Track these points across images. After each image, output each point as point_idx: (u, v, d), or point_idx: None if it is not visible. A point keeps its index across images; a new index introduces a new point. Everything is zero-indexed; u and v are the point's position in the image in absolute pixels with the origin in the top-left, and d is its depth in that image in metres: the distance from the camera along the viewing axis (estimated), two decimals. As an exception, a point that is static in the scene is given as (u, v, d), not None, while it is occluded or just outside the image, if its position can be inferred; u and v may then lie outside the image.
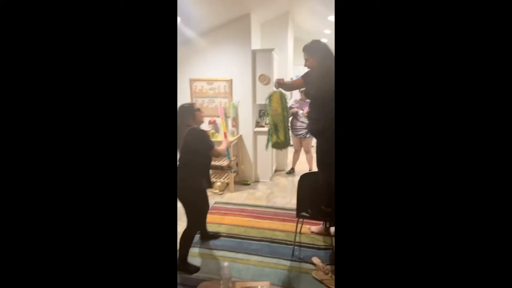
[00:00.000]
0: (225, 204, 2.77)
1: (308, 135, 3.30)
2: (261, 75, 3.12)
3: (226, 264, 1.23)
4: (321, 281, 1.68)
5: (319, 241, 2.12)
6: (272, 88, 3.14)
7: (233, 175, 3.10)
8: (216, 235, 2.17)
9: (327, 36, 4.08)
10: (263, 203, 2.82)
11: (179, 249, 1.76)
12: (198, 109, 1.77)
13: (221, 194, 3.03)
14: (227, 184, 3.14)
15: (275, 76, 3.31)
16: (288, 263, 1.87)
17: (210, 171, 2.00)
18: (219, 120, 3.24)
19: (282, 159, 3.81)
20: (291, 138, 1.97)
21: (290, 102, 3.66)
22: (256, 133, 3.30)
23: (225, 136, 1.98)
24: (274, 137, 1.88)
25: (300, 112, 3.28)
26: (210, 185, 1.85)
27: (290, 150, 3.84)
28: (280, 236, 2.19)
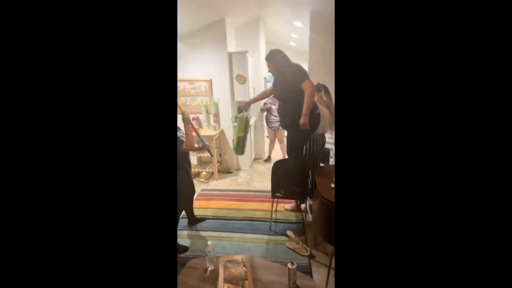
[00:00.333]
0: (210, 191, 2.76)
1: (280, 128, 3.35)
2: (237, 75, 3.08)
3: (209, 242, 1.24)
4: (293, 250, 1.75)
5: (292, 216, 2.20)
6: (245, 89, 3.12)
7: (216, 165, 3.08)
8: (202, 219, 2.17)
9: (294, 39, 4.09)
10: (244, 187, 2.85)
11: (187, 208, 1.86)
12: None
13: (206, 182, 3.00)
14: (212, 173, 3.12)
15: (250, 75, 3.28)
16: (266, 237, 1.93)
17: (193, 162, 1.94)
18: (201, 117, 3.18)
19: (260, 148, 3.84)
20: (245, 147, 2.38)
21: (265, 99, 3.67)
22: (235, 127, 3.28)
23: (193, 129, 1.80)
24: (235, 149, 2.36)
25: (273, 107, 3.32)
26: (190, 175, 1.83)
27: (267, 141, 3.88)
28: (259, 214, 2.24)
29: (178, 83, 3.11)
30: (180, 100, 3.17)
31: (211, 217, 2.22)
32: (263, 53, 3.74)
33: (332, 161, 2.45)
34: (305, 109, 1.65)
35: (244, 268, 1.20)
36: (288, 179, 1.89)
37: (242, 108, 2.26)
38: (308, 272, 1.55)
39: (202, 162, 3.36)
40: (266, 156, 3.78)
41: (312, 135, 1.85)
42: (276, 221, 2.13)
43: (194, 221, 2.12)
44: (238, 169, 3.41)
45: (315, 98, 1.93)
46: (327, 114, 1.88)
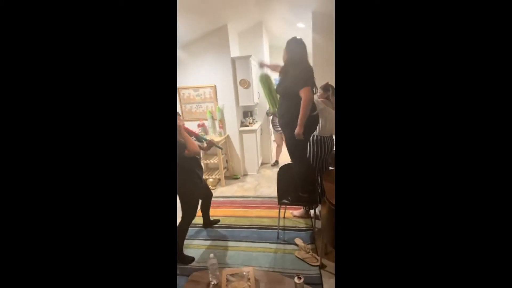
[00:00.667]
0: (217, 198, 2.70)
1: (287, 130, 3.26)
2: (241, 80, 3.05)
3: (212, 255, 1.18)
4: (303, 259, 1.65)
5: (301, 223, 2.09)
6: (250, 93, 3.07)
7: (223, 171, 3.03)
8: (216, 221, 2.17)
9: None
10: (251, 193, 2.77)
11: (204, 213, 1.85)
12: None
13: (213, 189, 2.95)
14: (219, 179, 3.07)
15: (255, 79, 3.24)
16: (274, 246, 1.83)
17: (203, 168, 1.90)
18: (207, 123, 3.15)
19: (267, 153, 3.77)
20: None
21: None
22: (241, 132, 3.23)
23: (189, 132, 1.74)
24: (272, 108, 2.36)
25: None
26: (201, 180, 1.78)
27: (274, 145, 3.79)
28: (267, 222, 2.15)
29: (183, 91, 3.12)
30: (186, 107, 3.17)
31: (217, 225, 2.16)
32: (266, 56, 3.70)
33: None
34: (300, 120, 1.55)
35: (249, 283, 1.12)
36: (294, 185, 1.79)
37: (259, 67, 2.24)
38: (318, 283, 1.45)
39: (208, 169, 3.32)
40: (273, 161, 3.69)
41: (316, 138, 1.75)
42: (285, 228, 2.03)
43: (208, 224, 2.11)
44: (245, 174, 3.34)
45: (320, 99, 1.84)
46: (333, 116, 1.78)
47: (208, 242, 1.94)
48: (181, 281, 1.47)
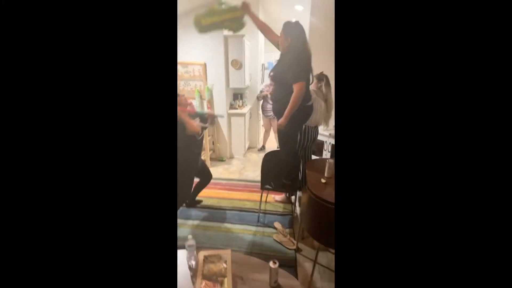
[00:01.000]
0: (201, 179, 2.68)
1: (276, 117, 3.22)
2: (233, 60, 2.90)
3: (190, 236, 1.17)
4: (280, 243, 1.70)
5: (281, 208, 2.14)
6: (241, 75, 2.94)
7: (209, 153, 2.98)
8: (198, 201, 2.19)
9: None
10: (236, 176, 2.77)
11: (192, 192, 1.98)
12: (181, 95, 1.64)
13: (198, 170, 2.92)
14: (204, 160, 3.02)
15: (247, 61, 3.10)
16: (253, 228, 1.87)
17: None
18: (195, 102, 3.03)
19: (254, 137, 3.73)
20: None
21: (261, 87, 3.51)
22: (230, 115, 3.15)
23: (190, 112, 1.70)
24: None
25: (269, 95, 3.16)
26: (197, 159, 1.81)
27: (262, 130, 3.76)
28: (249, 205, 2.18)
29: (171, 66, 2.94)
30: (173, 84, 3.01)
31: (199, 206, 2.16)
32: (261, 38, 3.53)
33: (325, 153, 2.36)
34: (286, 112, 1.52)
35: (225, 264, 1.13)
36: (279, 172, 1.80)
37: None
38: (292, 266, 1.51)
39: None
40: (260, 145, 3.68)
41: (304, 127, 1.73)
42: (265, 212, 2.07)
43: (191, 204, 2.13)
44: (231, 157, 3.32)
45: (313, 88, 1.80)
46: (322, 107, 1.75)
47: (189, 222, 1.95)
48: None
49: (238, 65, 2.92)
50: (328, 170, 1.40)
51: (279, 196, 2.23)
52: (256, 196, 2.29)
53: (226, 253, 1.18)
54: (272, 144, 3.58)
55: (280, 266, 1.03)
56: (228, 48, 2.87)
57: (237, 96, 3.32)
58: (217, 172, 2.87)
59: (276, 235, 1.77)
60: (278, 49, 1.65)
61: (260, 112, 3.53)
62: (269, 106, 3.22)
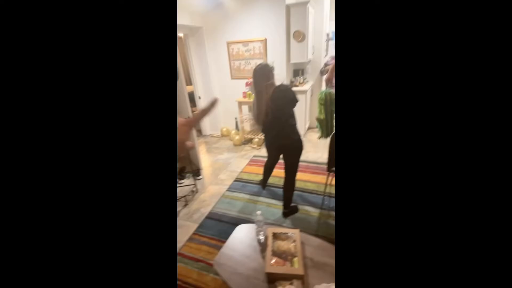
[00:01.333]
0: (263, 157, 2.71)
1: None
2: (295, 32, 2.66)
3: (259, 212, 1.17)
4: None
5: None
6: (304, 48, 2.68)
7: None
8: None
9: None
10: (296, 157, 2.68)
11: (286, 193, 1.72)
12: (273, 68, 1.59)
13: (258, 149, 2.96)
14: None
15: (311, 32, 2.80)
16: (317, 211, 1.78)
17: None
18: (255, 81, 3.00)
19: (314, 118, 3.49)
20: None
21: (326, 59, 3.16)
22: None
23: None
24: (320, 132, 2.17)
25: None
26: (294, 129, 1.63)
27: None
28: (311, 187, 2.08)
29: (232, 46, 2.94)
30: (235, 64, 3.02)
31: (256, 182, 2.19)
32: (327, 3, 3.10)
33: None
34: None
35: (294, 243, 1.10)
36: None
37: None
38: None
39: (253, 129, 3.29)
40: (321, 125, 3.42)
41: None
42: (330, 195, 1.93)
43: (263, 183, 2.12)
44: (291, 137, 3.22)
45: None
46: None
47: (249, 197, 2.01)
48: (229, 228, 1.58)
49: (300, 36, 2.66)
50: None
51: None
52: (319, 178, 2.17)
53: (295, 232, 1.14)
54: (335, 123, 3.27)
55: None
56: (290, 19, 2.64)
57: (298, 72, 3.10)
58: (277, 152, 2.84)
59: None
60: None
61: (323, 88, 3.22)
62: (334, 81, 2.90)
